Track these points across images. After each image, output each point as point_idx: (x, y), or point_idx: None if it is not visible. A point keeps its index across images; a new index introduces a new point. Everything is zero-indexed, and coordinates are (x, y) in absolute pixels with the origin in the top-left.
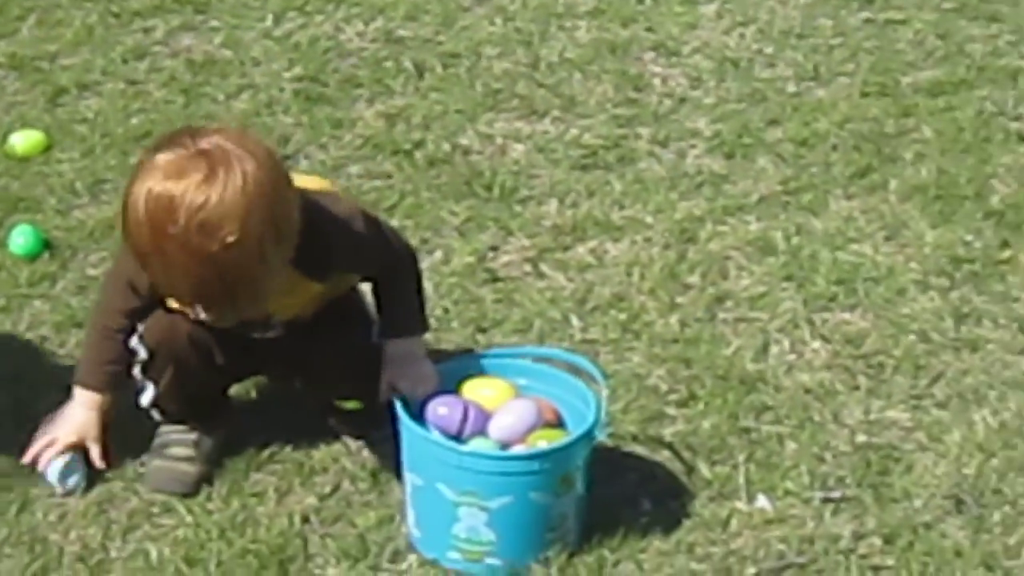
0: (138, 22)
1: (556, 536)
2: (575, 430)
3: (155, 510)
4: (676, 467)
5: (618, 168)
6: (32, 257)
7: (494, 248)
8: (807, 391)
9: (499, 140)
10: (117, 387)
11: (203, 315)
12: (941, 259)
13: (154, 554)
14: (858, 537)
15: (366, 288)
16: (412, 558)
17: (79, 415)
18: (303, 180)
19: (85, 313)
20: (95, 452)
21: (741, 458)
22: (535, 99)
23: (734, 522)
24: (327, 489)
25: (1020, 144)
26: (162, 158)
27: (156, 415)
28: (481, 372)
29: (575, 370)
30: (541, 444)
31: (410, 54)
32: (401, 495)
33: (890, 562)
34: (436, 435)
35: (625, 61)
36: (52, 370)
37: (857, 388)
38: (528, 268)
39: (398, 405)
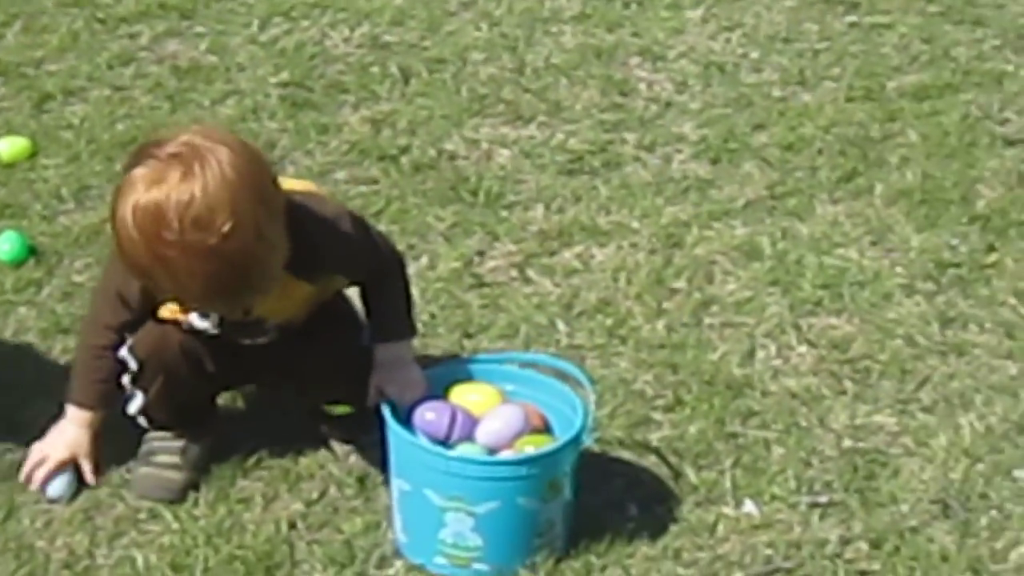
0: (124, 28)
1: (543, 541)
2: (562, 435)
3: (141, 517)
4: (663, 472)
5: (604, 173)
6: (18, 263)
7: (480, 253)
8: (793, 396)
9: (485, 145)
10: (109, 404)
11: (215, 312)
12: (927, 263)
13: (140, 561)
14: (845, 542)
15: (354, 293)
16: (399, 564)
17: (70, 432)
18: (290, 183)
19: (71, 319)
20: (87, 468)
21: (728, 463)
22: (521, 104)
23: (721, 527)
24: (314, 495)
25: (1005, 148)
26: (138, 172)
27: (143, 422)
28: (468, 377)
29: (562, 375)
30: (528, 449)
31: (396, 59)
32: (387, 501)
33: (877, 567)
34: (423, 440)
35: (611, 66)
36: (38, 377)
37: (843, 393)
38: (514, 273)
39: (386, 410)
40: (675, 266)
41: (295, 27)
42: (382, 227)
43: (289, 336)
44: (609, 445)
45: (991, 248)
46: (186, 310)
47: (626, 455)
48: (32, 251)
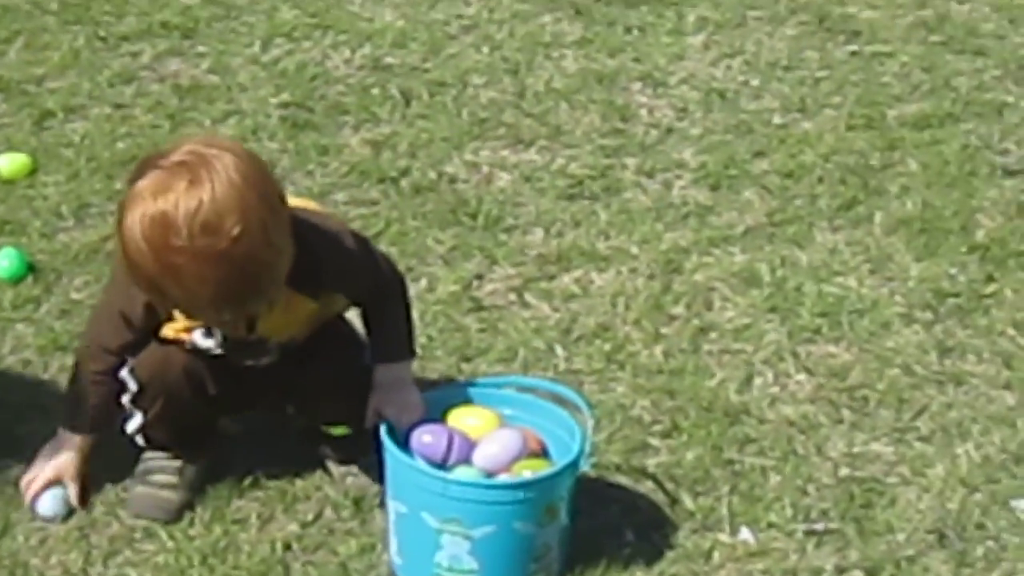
0: (125, 46)
1: (539, 566)
2: (560, 460)
3: (137, 535)
4: (659, 498)
5: (604, 198)
6: (16, 280)
7: (479, 277)
8: (791, 423)
9: (485, 169)
10: (103, 428)
11: (221, 322)
12: (926, 293)
13: None
14: (841, 570)
15: (355, 316)
16: None
17: (60, 454)
18: (292, 201)
19: (69, 337)
20: (72, 491)
21: (724, 490)
22: (521, 128)
23: (717, 554)
24: (309, 516)
25: (1005, 178)
26: (143, 184)
27: (141, 442)
28: (467, 401)
29: (560, 400)
30: (526, 474)
31: (397, 82)
32: (383, 523)
33: None
34: (421, 463)
35: (612, 91)
36: (35, 394)
37: (841, 421)
38: (513, 297)
39: (383, 431)
40: (674, 292)
41: (296, 48)
42: (381, 249)
43: (290, 357)
44: (606, 470)
45: (990, 278)
46: (190, 328)
47: (623, 480)
48: (31, 268)
